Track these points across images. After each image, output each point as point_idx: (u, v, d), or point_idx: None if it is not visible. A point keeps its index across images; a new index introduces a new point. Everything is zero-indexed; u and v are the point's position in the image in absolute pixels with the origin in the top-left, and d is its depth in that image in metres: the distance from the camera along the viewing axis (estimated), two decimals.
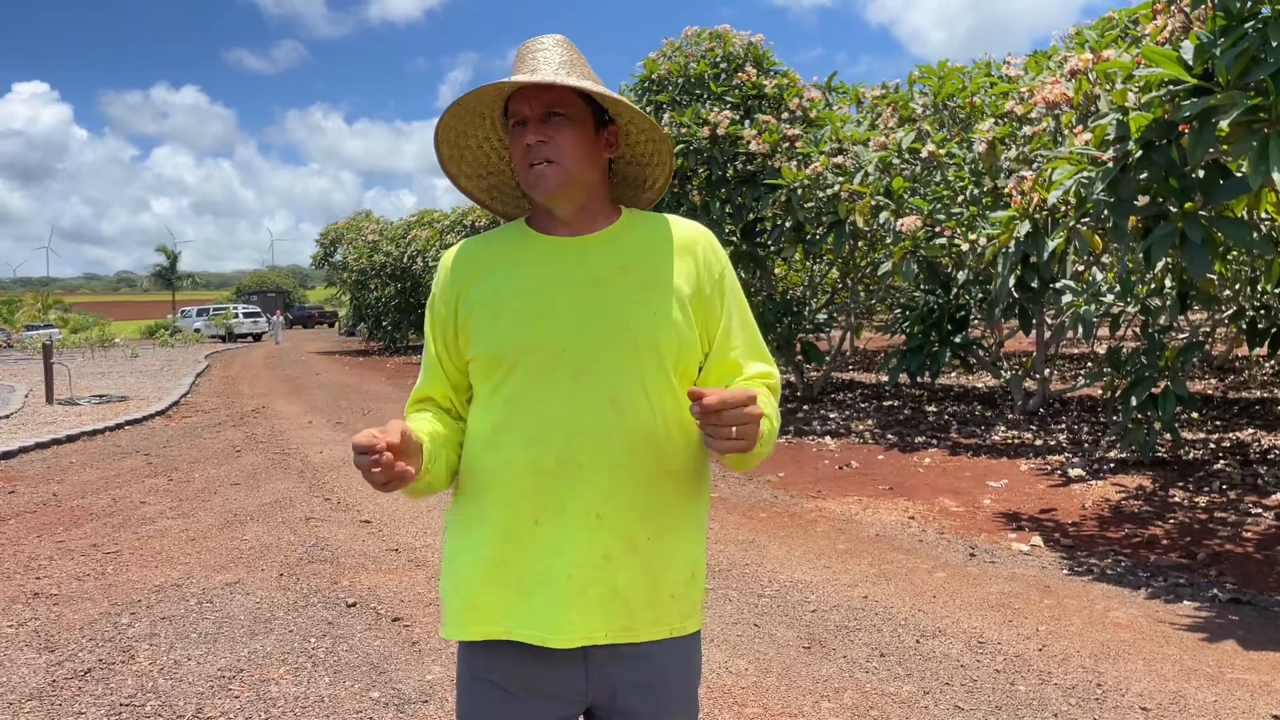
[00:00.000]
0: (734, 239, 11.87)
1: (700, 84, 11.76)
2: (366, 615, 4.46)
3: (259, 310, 47.37)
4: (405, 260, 27.60)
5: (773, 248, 11.65)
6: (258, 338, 42.97)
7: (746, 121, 11.11)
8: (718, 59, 11.84)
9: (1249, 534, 5.55)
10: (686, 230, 1.58)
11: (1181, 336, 11.61)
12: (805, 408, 11.70)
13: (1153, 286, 8.03)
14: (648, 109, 11.84)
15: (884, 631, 4.14)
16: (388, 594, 4.77)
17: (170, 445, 10.09)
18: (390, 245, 28.80)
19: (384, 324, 29.96)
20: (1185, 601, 4.46)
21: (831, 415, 11.02)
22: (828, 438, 9.52)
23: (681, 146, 11.00)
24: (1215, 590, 4.57)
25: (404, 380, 17.98)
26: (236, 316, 44.18)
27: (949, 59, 10.12)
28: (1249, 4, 4.21)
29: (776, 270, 14.24)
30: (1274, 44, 4.01)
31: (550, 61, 1.51)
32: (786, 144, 10.52)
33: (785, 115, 11.27)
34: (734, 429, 1.29)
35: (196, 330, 42.02)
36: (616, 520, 1.46)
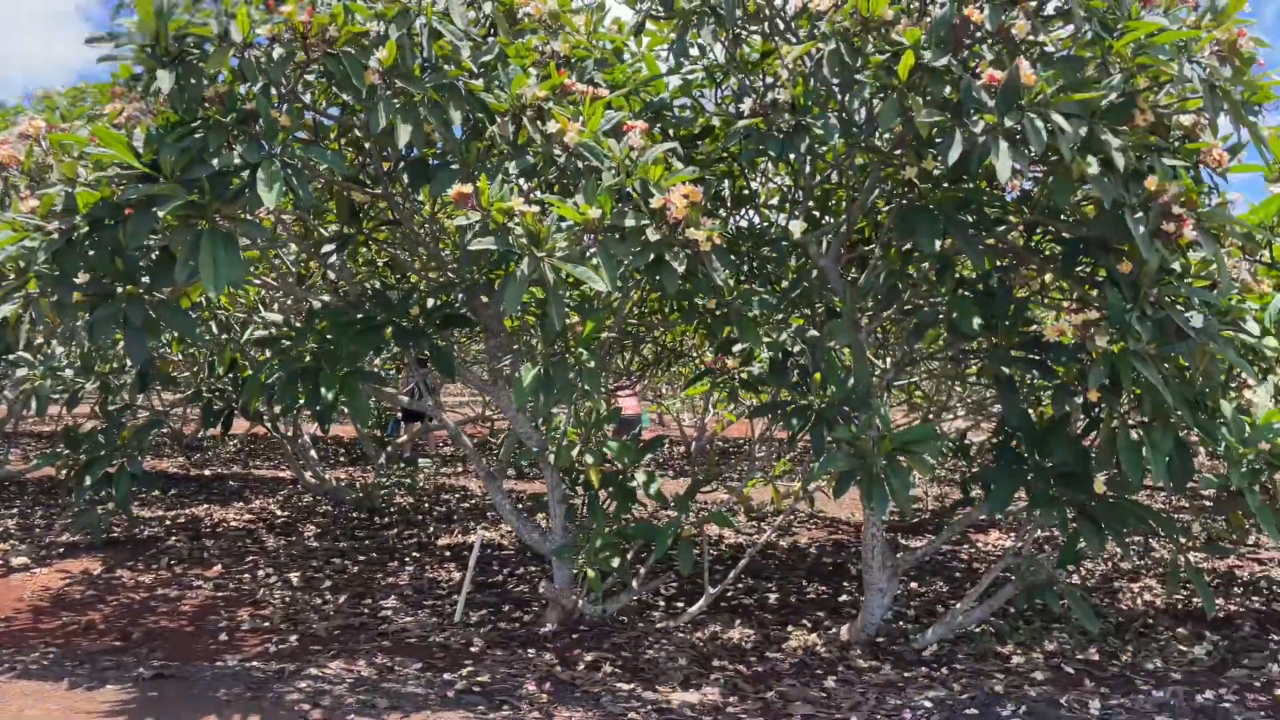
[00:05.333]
0: None
1: None
2: None
3: None
4: None
5: None
6: None
7: None
8: None
9: (187, 606, 5.79)
10: None
11: (148, 415, 11.81)
12: None
13: (115, 365, 7.99)
14: None
15: None
16: None
17: None
18: None
19: None
20: (109, 685, 4.37)
21: None
22: None
23: None
24: (141, 669, 4.60)
25: None
26: None
27: None
28: (193, 106, 4.54)
29: None
30: (212, 148, 4.39)
31: None
32: None
33: None
34: None
35: None
36: None
